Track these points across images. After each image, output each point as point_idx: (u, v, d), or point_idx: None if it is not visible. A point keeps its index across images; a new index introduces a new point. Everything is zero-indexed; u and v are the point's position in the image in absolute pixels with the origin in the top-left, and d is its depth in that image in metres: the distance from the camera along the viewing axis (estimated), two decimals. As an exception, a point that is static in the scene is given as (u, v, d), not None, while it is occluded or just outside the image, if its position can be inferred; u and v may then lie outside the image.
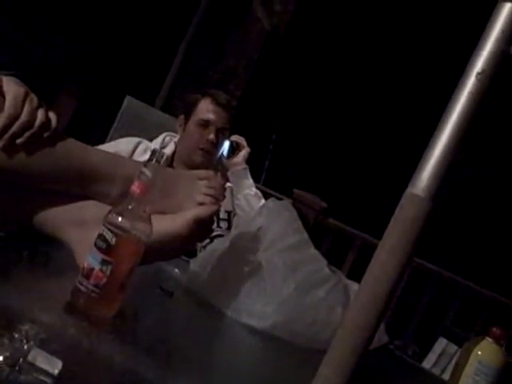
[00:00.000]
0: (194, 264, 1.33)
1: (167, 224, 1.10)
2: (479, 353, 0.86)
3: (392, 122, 5.63)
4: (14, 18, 3.75)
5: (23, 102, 1.06)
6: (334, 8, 5.45)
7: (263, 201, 2.40)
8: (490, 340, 0.88)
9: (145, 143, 2.38)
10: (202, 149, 2.33)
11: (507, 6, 0.72)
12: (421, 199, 0.71)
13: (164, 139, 2.45)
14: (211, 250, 1.32)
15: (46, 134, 1.08)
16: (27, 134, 1.05)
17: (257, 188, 2.53)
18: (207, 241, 1.85)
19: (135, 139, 2.38)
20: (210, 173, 1.25)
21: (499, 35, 0.73)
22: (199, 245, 1.75)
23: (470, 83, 0.72)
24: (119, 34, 4.36)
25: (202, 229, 1.15)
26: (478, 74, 0.72)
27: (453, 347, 2.69)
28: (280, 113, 5.58)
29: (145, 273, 1.10)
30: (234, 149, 2.43)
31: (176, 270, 1.41)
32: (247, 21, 5.07)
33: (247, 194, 2.40)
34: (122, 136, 2.45)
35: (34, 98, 1.08)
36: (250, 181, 2.45)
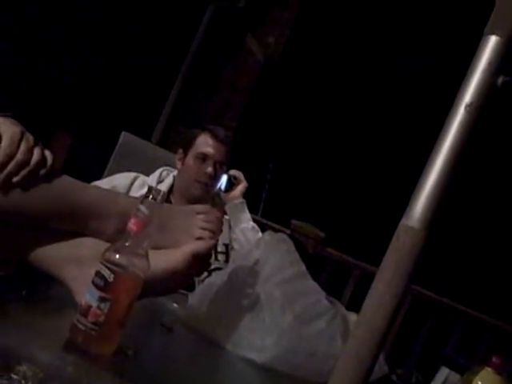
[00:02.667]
0: (192, 298, 1.33)
1: (165, 259, 1.10)
2: (479, 383, 0.85)
3: (387, 152, 5.67)
4: (7, 56, 3.80)
5: (19, 141, 1.07)
6: (328, 38, 5.52)
7: (260, 234, 2.40)
8: (489, 370, 0.88)
9: (142, 178, 2.39)
10: (199, 182, 2.35)
11: (493, 39, 0.74)
12: (415, 231, 0.72)
13: (161, 174, 2.47)
14: (209, 284, 1.32)
15: (41, 172, 1.09)
16: (23, 172, 1.06)
17: (254, 220, 2.54)
18: (205, 274, 1.85)
19: (132, 174, 2.40)
20: (207, 207, 1.25)
21: (486, 67, 0.74)
22: (197, 278, 1.75)
23: (460, 115, 0.74)
24: (114, 69, 4.40)
25: (200, 263, 1.15)
26: (467, 105, 0.74)
27: (455, 376, 2.67)
28: (277, 143, 5.61)
29: (143, 308, 1.10)
30: (232, 183, 2.45)
31: (175, 305, 1.41)
32: (241, 53, 5.13)
33: (244, 228, 2.41)
34: (118, 171, 2.46)
35: (29, 137, 1.09)
36: (247, 215, 2.46)
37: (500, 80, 0.73)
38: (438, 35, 5.02)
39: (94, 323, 0.91)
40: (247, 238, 2.39)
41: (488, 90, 0.75)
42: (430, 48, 5.09)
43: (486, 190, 5.38)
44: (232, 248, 2.38)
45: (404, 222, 0.73)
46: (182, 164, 2.43)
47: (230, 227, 2.40)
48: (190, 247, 1.13)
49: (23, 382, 0.63)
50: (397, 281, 0.74)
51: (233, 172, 2.48)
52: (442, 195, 0.72)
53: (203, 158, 2.36)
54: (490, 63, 0.74)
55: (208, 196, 2.37)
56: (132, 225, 0.95)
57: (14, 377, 0.64)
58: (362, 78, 5.55)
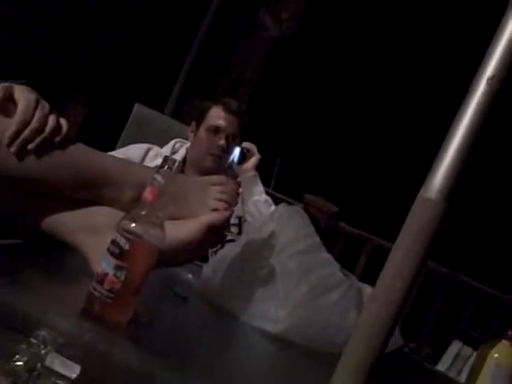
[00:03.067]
0: (206, 269, 1.33)
1: (180, 230, 1.11)
2: (496, 355, 0.85)
3: (405, 124, 5.61)
4: (23, 26, 3.78)
5: (35, 108, 1.07)
6: (342, 15, 5.45)
7: (273, 207, 2.40)
8: (506, 342, 0.87)
9: (155, 149, 2.40)
10: (212, 154, 2.34)
11: (518, 10, 0.72)
12: (434, 203, 0.71)
13: (174, 145, 2.47)
14: (223, 255, 1.33)
15: (56, 140, 1.09)
16: (38, 139, 1.06)
17: (267, 193, 2.54)
18: (218, 246, 1.85)
19: (145, 145, 2.40)
20: (223, 178, 1.25)
21: (510, 39, 0.73)
22: (211, 250, 1.76)
23: (481, 87, 0.72)
24: (129, 42, 4.38)
25: (215, 234, 1.15)
26: (489, 78, 0.72)
27: (468, 350, 2.68)
28: (289, 117, 5.58)
29: (158, 278, 1.10)
30: (245, 155, 2.44)
31: (189, 275, 1.42)
32: (254, 29, 5.09)
33: (257, 201, 2.41)
34: (131, 143, 2.47)
35: (45, 104, 1.09)
36: (260, 187, 2.47)
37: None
38: (464, 5, 4.92)
39: (109, 291, 0.91)
40: (260, 210, 2.39)
41: (511, 63, 0.73)
42: (453, 20, 5.01)
43: (504, 165, 5.33)
44: (245, 220, 2.38)
45: (422, 193, 0.72)
46: (195, 136, 2.43)
47: (242, 200, 2.40)
48: (206, 218, 1.13)
49: (42, 346, 0.64)
50: (414, 254, 0.74)
51: (246, 144, 2.48)
52: (461, 168, 0.71)
53: (215, 130, 2.36)
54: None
55: (221, 168, 2.37)
56: (148, 194, 0.95)
57: (34, 341, 0.64)
58: (380, 49, 5.48)
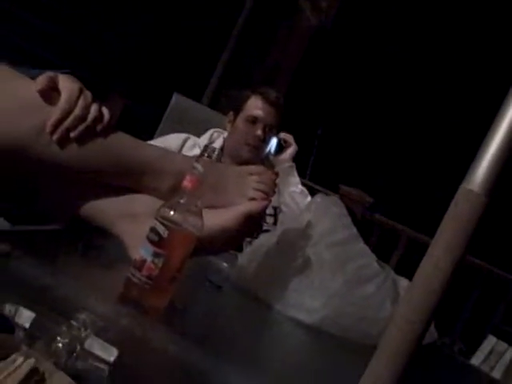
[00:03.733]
0: (242, 258, 1.34)
1: (218, 218, 1.11)
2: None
3: (443, 115, 5.54)
4: (64, 16, 3.83)
5: (78, 97, 1.08)
6: (383, 4, 5.39)
7: (309, 198, 2.40)
8: (545, 338, 0.86)
9: (193, 139, 2.41)
10: (249, 144, 2.35)
11: None
12: (477, 195, 0.70)
13: (212, 135, 2.48)
14: (259, 245, 1.33)
15: (98, 128, 1.10)
16: (81, 127, 1.08)
17: (303, 183, 2.54)
18: (254, 236, 1.86)
19: (183, 135, 2.41)
20: (261, 168, 1.25)
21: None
22: (246, 240, 1.76)
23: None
24: (167, 31, 4.40)
25: (252, 224, 1.15)
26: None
27: (503, 345, 2.64)
28: (325, 108, 5.55)
29: (194, 266, 1.11)
30: (282, 146, 2.44)
31: (224, 264, 1.43)
32: (294, 17, 5.06)
33: (293, 192, 2.41)
34: (169, 132, 2.48)
35: (88, 94, 1.11)
36: (297, 178, 2.46)
37: None
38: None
39: (147, 277, 0.92)
40: (296, 201, 2.39)
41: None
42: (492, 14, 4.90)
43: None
44: (280, 211, 2.38)
45: (465, 185, 0.71)
46: (232, 126, 2.43)
47: (278, 190, 2.40)
48: (243, 207, 1.14)
49: (82, 328, 0.65)
50: (454, 246, 0.73)
51: (283, 135, 2.48)
52: (506, 159, 0.70)
53: (253, 120, 2.36)
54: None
55: (257, 159, 2.37)
56: (187, 182, 0.95)
57: (74, 323, 0.65)
58: (421, 41, 5.40)
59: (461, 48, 5.32)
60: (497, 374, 1.86)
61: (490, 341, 2.70)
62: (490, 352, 2.67)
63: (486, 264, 3.95)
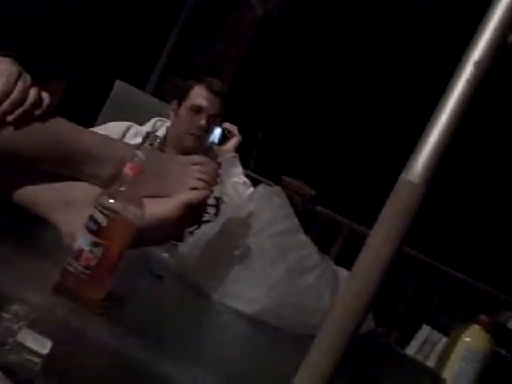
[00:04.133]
0: (183, 248, 1.33)
1: (159, 207, 1.10)
2: (467, 340, 0.86)
3: (383, 108, 5.63)
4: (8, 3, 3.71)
5: (16, 80, 1.05)
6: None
7: (252, 189, 2.40)
8: (477, 327, 0.88)
9: (135, 127, 2.37)
10: (192, 134, 2.33)
11: (506, -5, 0.72)
12: (416, 186, 0.71)
13: (155, 124, 2.45)
14: (200, 234, 1.32)
15: (37, 113, 1.07)
16: (18, 111, 1.05)
17: (246, 174, 2.54)
18: (195, 226, 1.84)
19: (125, 123, 2.37)
20: (204, 158, 1.24)
21: (498, 24, 0.72)
22: (187, 230, 1.75)
23: (468, 71, 0.72)
24: (110, 17, 4.32)
25: (192, 213, 1.14)
26: (476, 62, 0.72)
27: (436, 334, 2.71)
28: (270, 99, 5.56)
29: (133, 256, 1.09)
30: (226, 136, 2.43)
31: (165, 254, 1.41)
32: (240, 7, 5.04)
33: (236, 183, 2.41)
34: (111, 120, 2.44)
35: (27, 77, 1.07)
36: (239, 169, 2.46)
37: (511, 38, 0.72)
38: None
39: (85, 267, 0.90)
40: (238, 192, 2.39)
41: (499, 48, 0.73)
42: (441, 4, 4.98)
43: (488, 150, 5.36)
44: (223, 201, 2.37)
45: (404, 176, 0.72)
46: (176, 115, 2.40)
47: (221, 181, 2.39)
48: (184, 197, 1.12)
49: (15, 320, 0.63)
50: (394, 236, 0.74)
51: (227, 125, 2.47)
52: (445, 151, 0.71)
53: (197, 110, 2.34)
54: (501, 20, 0.72)
55: (201, 148, 2.36)
56: (128, 170, 0.93)
57: (6, 315, 0.63)
58: (364, 30, 5.46)
59: (402, 41, 5.42)
60: (431, 363, 1.90)
61: (425, 330, 2.77)
62: (425, 341, 2.74)
63: (422, 255, 4.04)
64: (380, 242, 0.72)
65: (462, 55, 0.73)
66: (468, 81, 0.71)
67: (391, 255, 0.73)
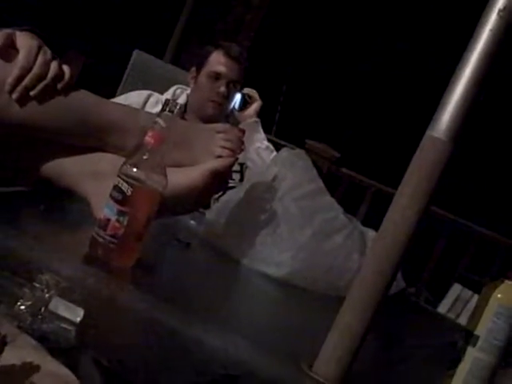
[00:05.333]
0: (209, 215, 1.33)
1: (184, 176, 1.09)
2: (499, 296, 0.85)
3: (407, 64, 5.53)
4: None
5: (36, 54, 1.05)
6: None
7: (275, 153, 2.38)
8: (510, 283, 0.87)
9: (156, 96, 2.36)
10: (213, 101, 2.31)
11: None
12: (442, 142, 0.70)
13: (175, 92, 2.44)
14: (226, 201, 1.32)
15: (59, 86, 1.07)
16: (40, 85, 1.04)
17: (268, 139, 2.52)
18: (220, 193, 1.85)
19: (146, 92, 2.37)
20: (228, 126, 1.24)
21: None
22: (213, 197, 1.75)
23: (492, 20, 0.70)
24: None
25: (218, 181, 1.14)
26: (500, 10, 0.70)
27: (467, 292, 2.70)
28: (290, 63, 5.50)
29: (161, 224, 1.10)
30: (246, 102, 2.41)
31: (192, 222, 1.42)
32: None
33: (258, 148, 2.39)
34: (131, 90, 2.43)
35: (47, 51, 1.07)
36: (262, 134, 2.44)
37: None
38: None
39: (112, 236, 0.91)
40: (261, 157, 2.38)
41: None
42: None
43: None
44: (247, 167, 2.37)
45: (429, 132, 0.71)
46: (195, 83, 2.39)
47: (244, 146, 2.38)
48: (210, 165, 1.12)
49: (46, 290, 0.64)
50: (420, 195, 0.73)
51: (247, 90, 2.44)
52: (470, 106, 0.69)
53: (216, 76, 2.32)
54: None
55: (222, 115, 2.35)
56: (149, 138, 0.93)
57: (37, 285, 0.64)
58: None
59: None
60: (463, 321, 1.90)
61: (456, 289, 2.76)
62: (456, 300, 2.74)
63: (449, 214, 4.01)
64: (406, 201, 0.72)
65: (486, 4, 0.71)
66: (492, 30, 0.69)
67: (418, 215, 0.72)
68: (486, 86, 0.71)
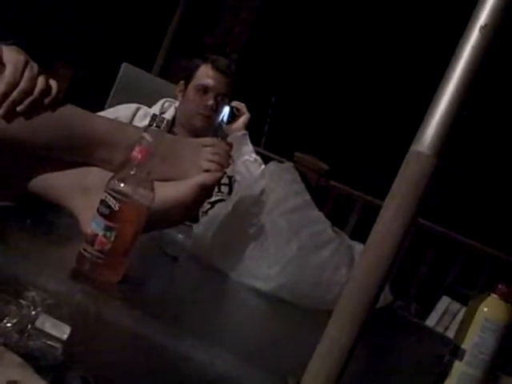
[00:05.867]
0: (197, 228, 1.33)
1: (172, 190, 1.10)
2: (485, 309, 0.86)
3: (392, 79, 5.57)
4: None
5: (23, 69, 1.04)
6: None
7: (263, 166, 2.39)
8: (495, 297, 0.88)
9: (144, 109, 2.37)
10: (201, 114, 2.32)
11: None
12: (426, 156, 0.71)
13: (163, 105, 2.44)
14: (214, 214, 1.32)
15: (46, 101, 1.07)
16: (27, 100, 1.04)
17: (257, 152, 2.53)
18: (208, 206, 1.85)
19: (134, 105, 2.37)
20: (215, 140, 1.24)
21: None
22: (201, 210, 1.75)
23: (474, 37, 0.71)
24: (114, 0, 4.30)
25: (206, 195, 1.14)
26: (482, 27, 0.71)
27: (456, 305, 2.71)
28: (279, 75, 5.53)
29: (148, 238, 1.10)
30: (235, 115, 2.42)
31: (179, 235, 1.42)
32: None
33: (246, 161, 2.40)
34: (119, 103, 2.43)
35: (34, 65, 1.07)
36: (250, 147, 2.44)
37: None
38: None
39: (100, 251, 0.91)
40: (249, 170, 2.38)
41: (504, 12, 0.72)
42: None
43: (497, 118, 5.29)
44: (235, 180, 2.37)
45: (414, 147, 0.72)
46: (183, 96, 2.39)
47: (232, 159, 2.38)
48: (198, 179, 1.12)
49: (32, 307, 0.64)
50: (405, 208, 0.73)
51: (235, 103, 2.45)
52: (453, 121, 0.70)
53: (204, 90, 2.32)
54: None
55: (210, 128, 2.35)
56: (136, 153, 0.93)
57: (23, 302, 0.64)
58: (372, 6, 5.39)
59: (410, 10, 5.35)
60: (451, 334, 1.91)
61: (444, 301, 2.77)
62: (444, 312, 2.74)
63: (439, 227, 4.02)
64: (392, 215, 0.72)
65: (468, 21, 0.72)
66: (474, 46, 0.70)
67: (404, 228, 0.72)
68: (469, 101, 0.72)
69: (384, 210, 0.75)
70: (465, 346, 0.84)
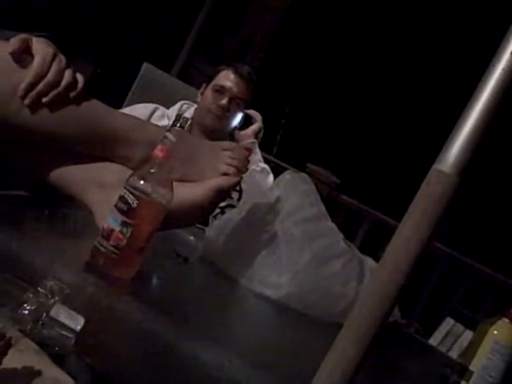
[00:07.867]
0: (209, 232, 1.34)
1: (190, 192, 1.10)
2: (495, 332, 0.86)
3: (413, 97, 5.56)
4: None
5: (51, 61, 1.05)
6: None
7: (271, 176, 2.38)
8: (506, 321, 0.88)
9: (161, 109, 2.38)
10: (211, 112, 2.31)
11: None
12: (448, 176, 0.71)
13: (181, 107, 2.45)
14: (227, 219, 1.33)
15: (71, 95, 1.08)
16: (53, 93, 1.05)
17: (269, 160, 2.52)
18: (218, 210, 1.85)
19: (152, 105, 2.38)
20: (234, 144, 1.25)
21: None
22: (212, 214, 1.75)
23: (504, 60, 0.71)
24: (139, 1, 4.33)
25: (222, 198, 1.15)
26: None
27: (460, 327, 2.70)
28: (295, 86, 5.54)
29: (160, 237, 1.10)
30: (247, 122, 2.41)
31: (191, 237, 1.42)
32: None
33: (253, 170, 2.38)
34: (138, 102, 2.45)
35: (62, 58, 1.08)
36: (258, 156, 2.43)
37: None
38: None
39: (115, 246, 0.91)
40: (255, 180, 2.36)
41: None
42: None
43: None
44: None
45: (436, 166, 0.72)
46: (201, 96, 2.41)
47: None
48: (215, 182, 1.13)
49: (49, 295, 0.64)
50: (424, 226, 0.73)
51: (250, 111, 2.44)
52: (478, 142, 0.70)
53: (221, 90, 2.33)
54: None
55: (222, 129, 2.34)
56: (158, 151, 0.94)
57: (41, 291, 0.64)
58: (395, 18, 5.38)
59: (439, 26, 5.33)
60: (453, 355, 1.91)
61: (448, 323, 2.76)
62: (447, 334, 2.73)
63: (446, 248, 4.01)
64: (410, 232, 0.72)
65: (499, 44, 0.72)
66: (504, 69, 0.71)
67: (421, 246, 0.72)
68: (496, 123, 0.72)
69: (402, 226, 0.75)
70: (472, 367, 0.84)
